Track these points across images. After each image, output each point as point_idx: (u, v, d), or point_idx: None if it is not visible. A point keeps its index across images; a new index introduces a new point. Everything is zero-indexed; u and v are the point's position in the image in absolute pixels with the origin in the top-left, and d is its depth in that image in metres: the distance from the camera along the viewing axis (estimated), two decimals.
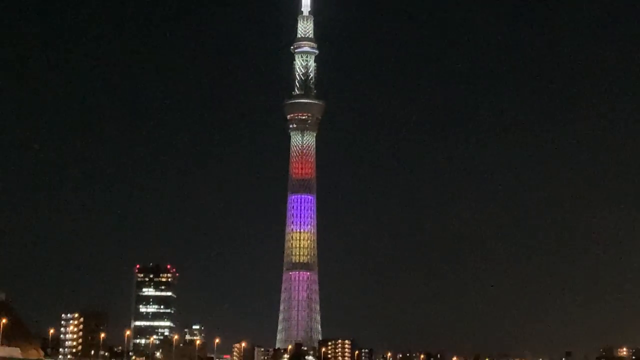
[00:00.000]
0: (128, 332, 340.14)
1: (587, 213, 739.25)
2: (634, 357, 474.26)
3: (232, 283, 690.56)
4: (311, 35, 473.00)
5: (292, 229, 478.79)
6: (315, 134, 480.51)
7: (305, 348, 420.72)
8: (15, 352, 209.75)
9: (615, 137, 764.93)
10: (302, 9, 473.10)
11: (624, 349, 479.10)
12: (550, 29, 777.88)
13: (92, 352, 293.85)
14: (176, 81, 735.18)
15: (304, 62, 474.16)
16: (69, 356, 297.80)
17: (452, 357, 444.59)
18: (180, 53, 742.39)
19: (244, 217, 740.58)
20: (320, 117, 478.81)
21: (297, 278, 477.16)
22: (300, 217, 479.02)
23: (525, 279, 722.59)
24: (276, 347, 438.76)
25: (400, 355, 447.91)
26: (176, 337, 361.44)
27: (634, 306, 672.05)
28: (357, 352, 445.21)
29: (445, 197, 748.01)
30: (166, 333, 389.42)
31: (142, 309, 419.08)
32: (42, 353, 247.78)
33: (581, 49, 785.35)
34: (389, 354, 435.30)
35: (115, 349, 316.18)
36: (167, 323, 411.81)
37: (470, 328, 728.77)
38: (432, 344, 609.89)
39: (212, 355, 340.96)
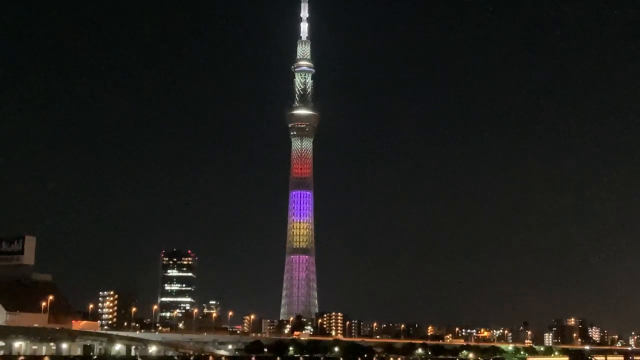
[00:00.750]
0: (155, 307, 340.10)
1: (538, 206, 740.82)
2: (580, 326, 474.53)
3: (243, 265, 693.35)
4: (308, 57, 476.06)
5: (293, 220, 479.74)
6: (312, 140, 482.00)
7: (305, 319, 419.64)
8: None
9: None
10: (301, 35, 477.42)
11: (572, 320, 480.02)
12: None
13: (125, 323, 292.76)
14: (194, 97, 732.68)
15: (303, 79, 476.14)
16: (105, 327, 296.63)
17: (428, 327, 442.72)
18: (196, 71, 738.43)
19: (253, 210, 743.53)
20: (316, 126, 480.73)
21: (297, 261, 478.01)
22: (300, 209, 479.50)
23: (490, 263, 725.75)
24: (280, 319, 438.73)
25: (384, 326, 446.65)
26: (196, 310, 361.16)
27: (580, 284, 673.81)
28: (348, 323, 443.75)
29: (424, 192, 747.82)
30: (187, 307, 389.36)
31: (167, 287, 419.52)
32: (82, 324, 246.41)
33: None
34: (375, 325, 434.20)
35: (145, 321, 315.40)
36: (188, 299, 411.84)
37: (444, 303, 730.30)
38: (411, 316, 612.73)
39: (226, 326, 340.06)
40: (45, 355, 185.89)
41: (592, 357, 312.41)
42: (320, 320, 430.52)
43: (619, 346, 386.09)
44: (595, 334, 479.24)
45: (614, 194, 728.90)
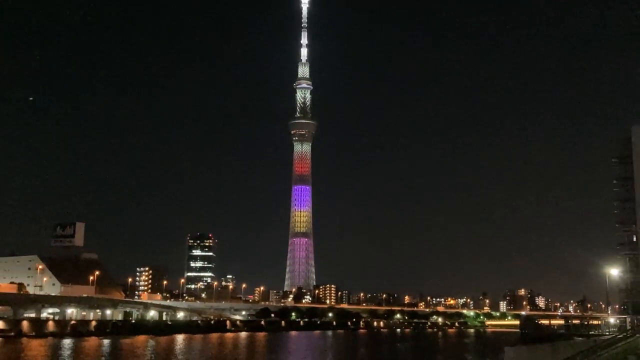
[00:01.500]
0: (182, 280, 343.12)
1: (498, 197, 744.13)
2: (529, 295, 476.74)
3: (254, 246, 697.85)
4: (307, 76, 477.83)
5: (295, 209, 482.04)
6: (310, 144, 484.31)
7: (304, 290, 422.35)
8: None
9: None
10: (301, 58, 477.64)
11: (522, 290, 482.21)
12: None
13: (157, 293, 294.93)
14: (217, 111, 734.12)
15: (303, 94, 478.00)
16: (141, 297, 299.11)
17: (405, 296, 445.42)
18: (218, 89, 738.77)
19: (262, 201, 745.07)
20: (314, 132, 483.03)
21: (298, 242, 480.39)
22: (301, 201, 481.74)
23: (456, 243, 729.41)
24: (284, 290, 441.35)
25: (369, 295, 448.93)
26: (215, 283, 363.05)
27: (530, 260, 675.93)
28: (339, 293, 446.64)
29: (402, 187, 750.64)
30: (208, 280, 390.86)
31: (192, 264, 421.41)
32: (123, 295, 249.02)
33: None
34: (362, 294, 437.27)
35: (173, 292, 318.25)
36: (209, 274, 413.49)
37: (418, 276, 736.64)
38: (392, 288, 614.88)
39: (240, 296, 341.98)
40: (92, 320, 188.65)
41: (539, 320, 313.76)
42: (317, 291, 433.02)
43: (560, 312, 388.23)
44: (541, 302, 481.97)
45: (562, 187, 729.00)
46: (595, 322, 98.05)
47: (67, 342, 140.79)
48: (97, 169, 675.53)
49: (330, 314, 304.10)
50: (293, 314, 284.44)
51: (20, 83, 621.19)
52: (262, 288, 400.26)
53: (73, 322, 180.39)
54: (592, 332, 64.76)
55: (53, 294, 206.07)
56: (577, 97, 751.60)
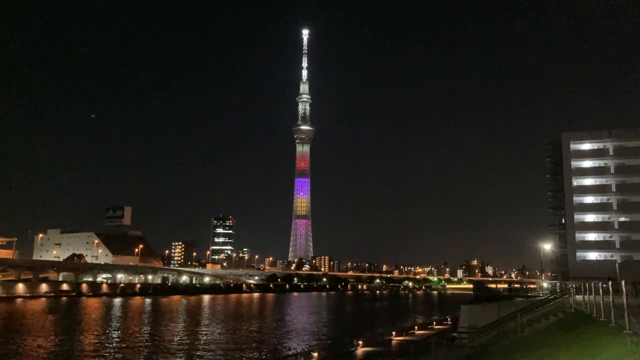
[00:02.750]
0: (208, 252, 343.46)
1: (457, 182, 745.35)
2: (480, 265, 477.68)
3: (265, 225, 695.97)
4: (307, 92, 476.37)
5: (297, 196, 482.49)
6: (309, 146, 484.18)
7: (304, 261, 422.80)
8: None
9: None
10: (303, 77, 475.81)
11: (475, 260, 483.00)
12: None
13: (189, 263, 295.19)
14: (238, 122, 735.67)
15: (303, 106, 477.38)
16: (176, 265, 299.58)
17: (383, 265, 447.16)
18: (238, 104, 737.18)
19: (272, 190, 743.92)
20: (312, 136, 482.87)
21: (299, 223, 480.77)
22: (301, 190, 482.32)
23: (422, 220, 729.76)
24: (288, 260, 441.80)
25: (355, 264, 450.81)
26: (234, 254, 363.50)
27: (483, 235, 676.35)
28: (332, 262, 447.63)
29: (382, 179, 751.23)
30: (229, 252, 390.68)
31: (216, 239, 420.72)
32: (161, 263, 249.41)
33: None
34: (349, 263, 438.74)
35: (201, 261, 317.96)
36: (229, 247, 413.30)
37: (393, 249, 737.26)
38: (373, 257, 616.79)
39: (254, 264, 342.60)
40: (137, 283, 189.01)
41: (488, 285, 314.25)
42: (314, 261, 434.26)
43: (504, 278, 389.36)
44: (490, 270, 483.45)
45: (509, 178, 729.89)
46: (532, 286, 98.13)
47: (117, 300, 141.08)
48: (141, 161, 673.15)
49: (324, 279, 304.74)
50: (295, 279, 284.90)
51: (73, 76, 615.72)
52: (270, 258, 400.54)
53: (122, 284, 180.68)
54: (530, 294, 64.76)
55: (106, 263, 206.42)
56: (522, 105, 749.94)
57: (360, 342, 52.71)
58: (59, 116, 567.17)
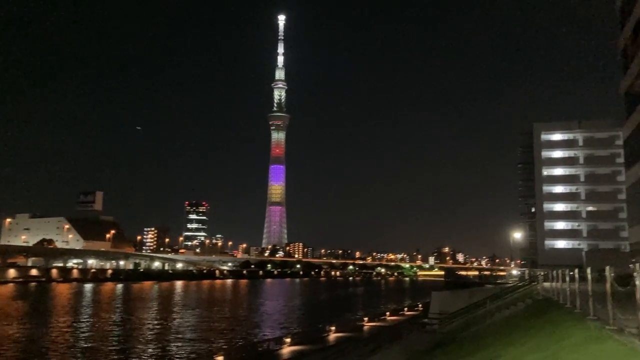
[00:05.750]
0: (181, 238, 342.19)
1: (427, 174, 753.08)
2: (452, 252, 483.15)
3: (239, 212, 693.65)
4: (283, 78, 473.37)
5: (272, 183, 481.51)
6: (285, 132, 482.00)
7: (278, 247, 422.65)
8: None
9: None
10: (278, 64, 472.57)
11: (446, 248, 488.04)
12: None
13: (161, 249, 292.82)
14: (213, 108, 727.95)
15: (279, 93, 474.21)
16: (148, 251, 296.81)
17: (357, 251, 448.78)
18: (214, 91, 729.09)
19: (246, 176, 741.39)
20: (287, 123, 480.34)
21: (274, 209, 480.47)
22: (276, 176, 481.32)
23: (395, 208, 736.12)
24: (262, 247, 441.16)
25: (329, 251, 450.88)
26: (207, 241, 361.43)
27: (454, 223, 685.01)
28: (305, 249, 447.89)
29: (355, 167, 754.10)
30: (202, 239, 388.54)
31: (189, 225, 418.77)
32: (133, 249, 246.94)
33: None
34: (323, 250, 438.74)
35: (174, 247, 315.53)
36: (202, 233, 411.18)
37: (367, 234, 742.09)
38: (346, 244, 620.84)
39: (227, 251, 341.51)
40: (109, 269, 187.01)
41: (459, 272, 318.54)
42: (288, 248, 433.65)
43: (475, 265, 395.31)
44: (461, 257, 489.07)
45: (480, 167, 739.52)
46: (502, 273, 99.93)
47: (88, 286, 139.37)
48: (114, 145, 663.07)
49: (298, 266, 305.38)
50: (269, 265, 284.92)
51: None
52: (244, 245, 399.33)
53: (93, 270, 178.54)
54: (499, 281, 65.95)
55: (77, 248, 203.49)
56: (496, 94, 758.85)
57: (333, 328, 53.01)
58: (29, 100, 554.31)
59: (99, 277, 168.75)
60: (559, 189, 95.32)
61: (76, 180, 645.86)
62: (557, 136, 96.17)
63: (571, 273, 18.55)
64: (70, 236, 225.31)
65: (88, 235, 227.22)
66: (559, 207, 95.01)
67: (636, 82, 42.79)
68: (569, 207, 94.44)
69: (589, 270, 13.41)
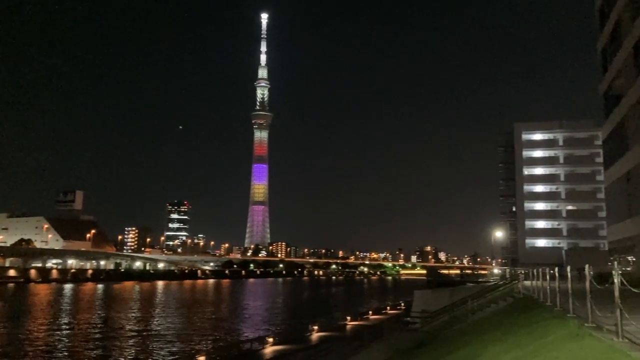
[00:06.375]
0: (162, 238, 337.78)
1: (410, 171, 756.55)
2: (434, 251, 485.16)
3: (221, 211, 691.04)
4: (266, 77, 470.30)
5: (255, 182, 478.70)
6: (267, 131, 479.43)
7: (261, 247, 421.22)
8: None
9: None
10: (261, 62, 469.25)
11: (429, 247, 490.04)
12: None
13: (142, 248, 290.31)
14: (197, 105, 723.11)
15: (262, 91, 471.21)
16: (129, 251, 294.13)
17: (339, 251, 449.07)
18: (198, 88, 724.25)
19: (228, 176, 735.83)
20: (270, 122, 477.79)
21: (257, 209, 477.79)
22: (259, 176, 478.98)
23: (377, 208, 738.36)
24: (245, 246, 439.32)
25: (312, 250, 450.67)
26: (189, 240, 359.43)
27: (436, 223, 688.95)
28: (288, 248, 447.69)
29: (338, 165, 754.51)
30: (184, 238, 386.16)
31: (170, 225, 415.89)
32: (114, 249, 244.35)
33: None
34: (306, 249, 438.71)
35: (155, 247, 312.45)
36: (184, 233, 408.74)
37: (349, 235, 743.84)
38: (329, 243, 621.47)
39: (209, 250, 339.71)
40: (89, 269, 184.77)
41: (440, 270, 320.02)
42: (271, 247, 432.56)
43: (457, 264, 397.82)
44: (442, 256, 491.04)
45: (462, 167, 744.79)
46: (483, 272, 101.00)
47: (68, 286, 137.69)
48: (94, 144, 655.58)
49: (281, 265, 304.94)
50: (251, 265, 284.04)
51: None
52: (226, 244, 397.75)
53: (73, 270, 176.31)
54: (481, 280, 66.60)
55: (56, 248, 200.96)
56: (478, 94, 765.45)
57: (316, 327, 53.03)
58: (6, 97, 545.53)
59: (79, 277, 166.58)
60: (539, 188, 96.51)
61: (55, 179, 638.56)
62: (537, 136, 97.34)
63: (551, 271, 18.80)
64: (49, 236, 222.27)
65: (68, 235, 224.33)
66: (540, 206, 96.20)
67: (615, 82, 43.45)
68: (550, 206, 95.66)
69: (568, 269, 13.59)
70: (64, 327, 58.09)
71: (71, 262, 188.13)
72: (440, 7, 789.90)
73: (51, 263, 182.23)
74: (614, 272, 8.65)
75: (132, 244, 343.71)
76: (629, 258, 41.28)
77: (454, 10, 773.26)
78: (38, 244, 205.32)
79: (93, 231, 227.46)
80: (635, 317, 9.91)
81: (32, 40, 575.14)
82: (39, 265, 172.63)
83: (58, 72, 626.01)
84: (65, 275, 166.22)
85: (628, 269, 39.16)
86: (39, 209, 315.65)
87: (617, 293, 8.41)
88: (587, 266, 11.24)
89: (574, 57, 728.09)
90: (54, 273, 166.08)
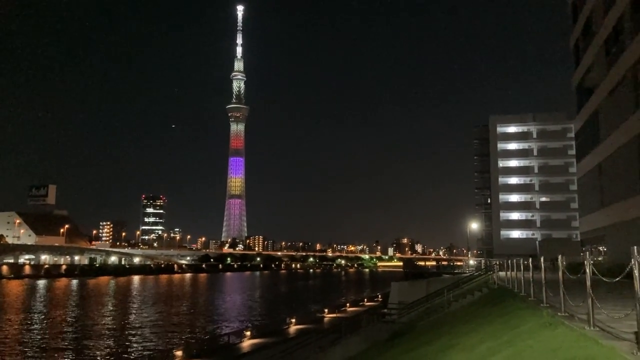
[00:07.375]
0: (138, 232, 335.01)
1: (386, 164, 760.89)
2: (410, 243, 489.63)
3: (197, 205, 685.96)
4: (242, 69, 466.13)
5: (231, 176, 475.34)
6: (244, 124, 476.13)
7: (238, 240, 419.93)
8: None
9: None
10: (237, 55, 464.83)
11: (405, 239, 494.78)
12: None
13: (117, 243, 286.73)
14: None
15: (238, 84, 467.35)
16: (106, 246, 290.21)
17: (317, 244, 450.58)
18: (175, 81, 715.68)
19: (205, 169, 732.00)
20: (246, 115, 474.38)
21: (233, 202, 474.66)
22: (236, 169, 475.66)
23: (354, 200, 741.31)
24: (222, 240, 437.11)
25: (289, 243, 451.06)
26: (165, 234, 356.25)
27: (412, 214, 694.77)
28: (266, 242, 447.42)
29: (314, 158, 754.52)
30: (159, 232, 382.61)
31: (146, 219, 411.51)
32: (88, 244, 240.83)
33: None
34: (283, 243, 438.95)
35: (131, 242, 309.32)
36: (160, 227, 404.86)
37: (327, 226, 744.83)
38: (306, 236, 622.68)
39: (186, 244, 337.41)
40: (63, 264, 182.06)
41: (417, 262, 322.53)
42: (248, 241, 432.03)
43: (433, 256, 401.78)
44: (419, 248, 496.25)
45: (438, 160, 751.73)
46: (459, 263, 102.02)
47: (41, 282, 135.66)
48: (67, 138, 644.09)
49: (258, 259, 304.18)
50: (228, 259, 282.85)
51: None
52: (203, 238, 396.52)
53: (46, 266, 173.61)
54: (456, 271, 67.30)
55: (29, 243, 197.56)
56: (454, 86, 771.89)
57: (293, 320, 53.15)
58: None
59: (52, 273, 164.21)
60: (513, 180, 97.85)
61: (27, 174, 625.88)
62: (512, 129, 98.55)
63: (525, 262, 19.10)
64: (21, 231, 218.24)
65: (41, 230, 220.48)
66: (514, 198, 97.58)
67: (587, 76, 44.16)
68: (524, 198, 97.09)
69: (542, 259, 13.82)
70: (36, 324, 57.21)
71: (44, 257, 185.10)
72: (412, 3, 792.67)
73: (24, 259, 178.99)
74: (585, 262, 8.82)
75: (107, 238, 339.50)
76: (601, 248, 42.15)
77: (427, 5, 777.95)
78: (10, 240, 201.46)
79: (67, 226, 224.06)
80: (606, 306, 10.15)
81: (5, 37, 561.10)
82: (11, 261, 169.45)
83: (29, 65, 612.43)
84: (38, 271, 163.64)
85: (599, 259, 39.99)
86: (11, 204, 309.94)
87: (588, 283, 8.57)
88: (560, 256, 11.44)
89: (548, 51, 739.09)
90: (27, 269, 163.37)
